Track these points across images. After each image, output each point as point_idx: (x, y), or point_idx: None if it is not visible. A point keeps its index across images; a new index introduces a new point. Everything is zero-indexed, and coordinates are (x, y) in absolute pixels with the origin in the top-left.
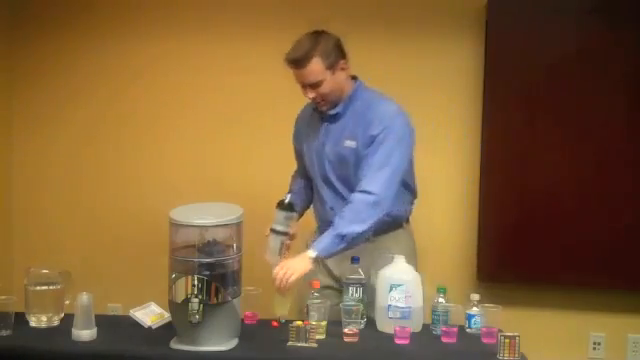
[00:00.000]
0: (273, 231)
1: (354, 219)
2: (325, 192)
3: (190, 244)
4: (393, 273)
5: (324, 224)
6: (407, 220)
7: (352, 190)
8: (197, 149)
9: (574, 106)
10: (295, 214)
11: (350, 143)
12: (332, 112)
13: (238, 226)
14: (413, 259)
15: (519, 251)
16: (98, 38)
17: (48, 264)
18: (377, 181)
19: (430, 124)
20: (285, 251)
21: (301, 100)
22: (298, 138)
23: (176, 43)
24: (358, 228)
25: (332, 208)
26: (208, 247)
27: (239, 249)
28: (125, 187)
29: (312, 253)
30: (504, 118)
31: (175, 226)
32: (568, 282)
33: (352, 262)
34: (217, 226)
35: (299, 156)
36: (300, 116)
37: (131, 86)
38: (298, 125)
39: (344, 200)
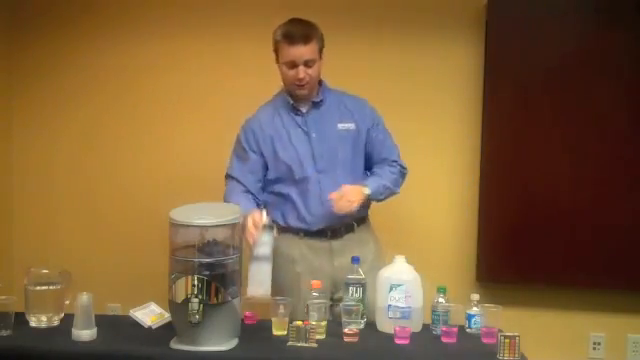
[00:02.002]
0: (258, 258)
1: (394, 181)
2: (320, 184)
3: (190, 244)
4: (393, 273)
5: (314, 221)
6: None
7: (352, 174)
8: (197, 149)
9: (574, 106)
10: (275, 232)
11: (346, 125)
12: (316, 99)
13: (238, 226)
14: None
15: (519, 251)
16: (98, 38)
17: (48, 264)
18: (399, 157)
19: (430, 124)
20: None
21: None
22: (264, 142)
23: (176, 43)
24: (396, 189)
25: (328, 199)
26: (208, 247)
27: (239, 249)
28: (125, 187)
29: (367, 190)
30: (504, 118)
31: (175, 226)
32: (568, 282)
33: (352, 262)
34: (217, 226)
35: (255, 165)
36: (256, 122)
37: (131, 86)
38: (260, 130)
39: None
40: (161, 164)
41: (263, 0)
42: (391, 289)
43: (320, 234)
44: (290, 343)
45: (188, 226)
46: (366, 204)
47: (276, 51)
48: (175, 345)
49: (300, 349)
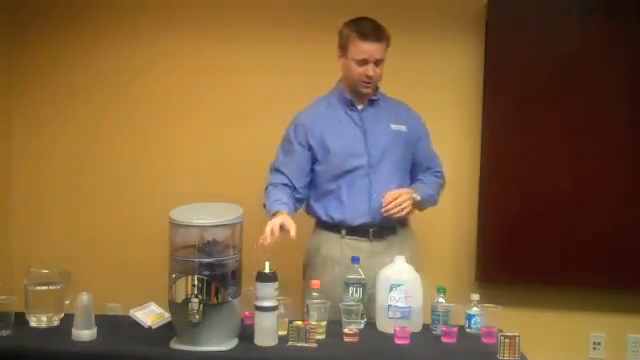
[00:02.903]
0: (261, 309)
1: (438, 192)
2: (369, 177)
3: (190, 244)
4: (393, 273)
5: (357, 214)
6: None
7: (400, 172)
8: (197, 149)
9: (574, 106)
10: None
11: (399, 127)
12: (374, 97)
13: (238, 226)
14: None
15: (519, 251)
16: (98, 38)
17: (48, 264)
18: (442, 168)
19: (430, 124)
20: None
21: (301, 99)
22: (312, 136)
23: (176, 43)
24: (438, 200)
25: (375, 193)
26: (208, 247)
27: (239, 249)
28: (125, 187)
29: (418, 196)
30: (504, 118)
31: (175, 226)
32: (568, 282)
33: (352, 262)
34: (217, 226)
35: (301, 158)
36: (308, 116)
37: (131, 86)
38: (310, 123)
39: (388, 184)
40: (161, 164)
41: (263, 0)
42: (391, 289)
43: (362, 233)
44: (290, 343)
45: (188, 226)
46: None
47: (344, 47)
48: (175, 345)
49: (300, 349)
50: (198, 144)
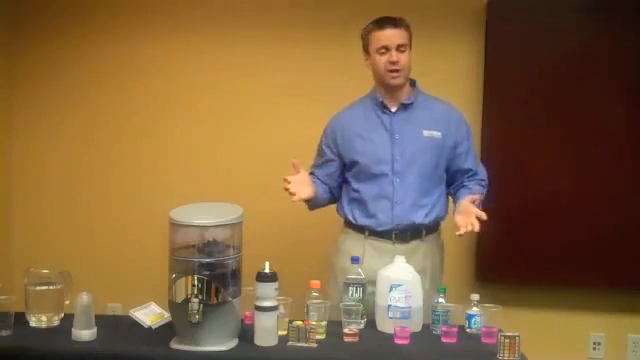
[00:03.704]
0: (261, 309)
1: (482, 201)
2: (394, 185)
3: (190, 244)
4: (393, 273)
5: (381, 221)
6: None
7: (427, 182)
8: (197, 149)
9: (574, 106)
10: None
11: (433, 133)
12: (407, 101)
13: (238, 226)
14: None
15: (519, 251)
16: (98, 38)
17: (48, 264)
18: (485, 176)
19: None
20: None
21: (300, 99)
22: (341, 141)
23: (176, 43)
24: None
25: (399, 202)
26: (208, 247)
27: (239, 249)
28: (125, 187)
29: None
30: (504, 118)
31: (175, 226)
32: (568, 282)
33: (352, 262)
34: (217, 226)
35: (330, 162)
36: (340, 120)
37: (131, 86)
38: (340, 129)
39: (413, 192)
40: (161, 164)
41: (263, 0)
42: (391, 289)
43: (385, 235)
44: (290, 343)
45: (188, 226)
46: (439, 211)
47: (366, 47)
48: (175, 345)
49: (300, 349)
50: (198, 144)
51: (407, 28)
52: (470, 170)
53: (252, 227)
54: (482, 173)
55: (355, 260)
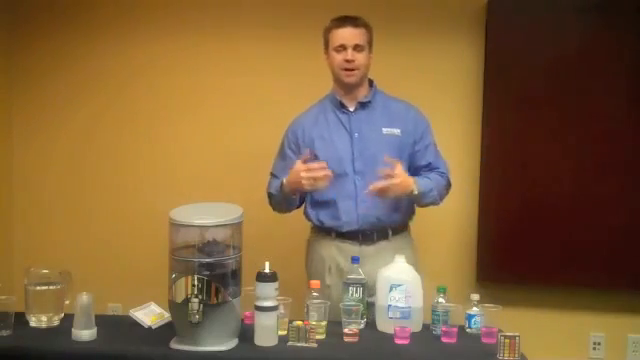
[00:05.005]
0: (261, 309)
1: (441, 190)
2: (356, 185)
3: (190, 244)
4: (393, 273)
5: (346, 222)
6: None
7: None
8: (197, 149)
9: (574, 106)
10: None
11: (393, 131)
12: (364, 100)
13: (238, 226)
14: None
15: (519, 251)
16: (98, 38)
17: (48, 264)
18: (448, 171)
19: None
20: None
21: (300, 99)
22: (304, 144)
23: (176, 43)
24: (438, 199)
25: (363, 201)
26: (208, 247)
27: (239, 249)
28: (125, 187)
29: (417, 189)
30: (504, 118)
31: (175, 226)
32: (568, 282)
33: (352, 262)
34: (217, 226)
35: (293, 163)
36: (300, 122)
37: (131, 86)
38: (301, 131)
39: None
40: (161, 164)
41: (263, 0)
42: (391, 289)
43: (351, 237)
44: (290, 343)
45: (188, 226)
46: (405, 210)
47: (326, 44)
48: (175, 345)
49: (300, 349)
50: (198, 144)
51: (368, 28)
52: (430, 164)
53: (252, 227)
54: (443, 167)
55: (355, 260)
